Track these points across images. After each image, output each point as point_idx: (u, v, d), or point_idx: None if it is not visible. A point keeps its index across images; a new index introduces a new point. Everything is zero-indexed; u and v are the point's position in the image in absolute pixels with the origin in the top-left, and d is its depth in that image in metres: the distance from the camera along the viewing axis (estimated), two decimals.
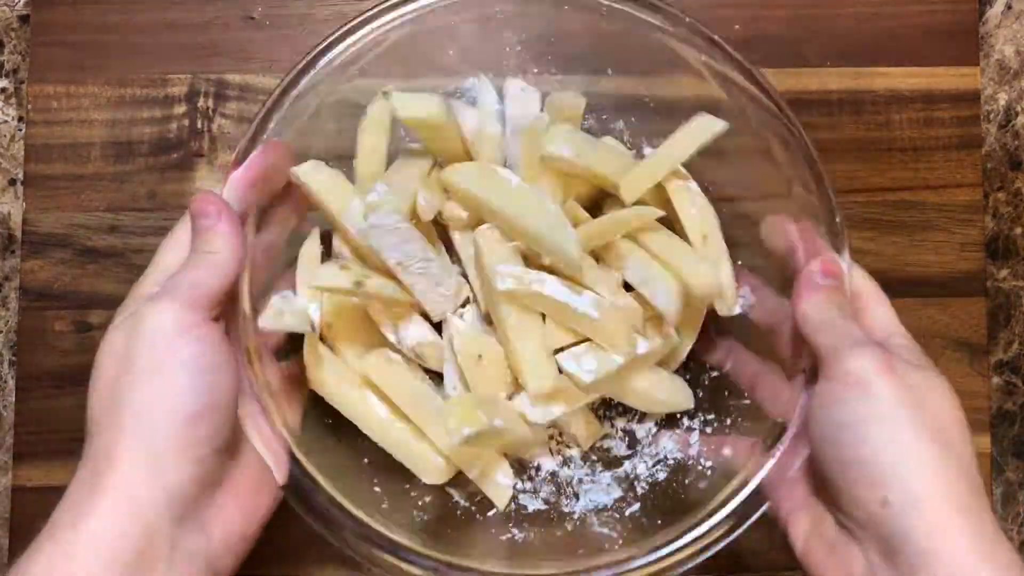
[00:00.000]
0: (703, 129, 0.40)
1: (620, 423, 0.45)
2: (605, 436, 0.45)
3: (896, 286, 0.49)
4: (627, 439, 0.45)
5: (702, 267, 0.40)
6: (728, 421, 0.43)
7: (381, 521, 0.37)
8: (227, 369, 0.35)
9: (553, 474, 0.44)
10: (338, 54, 0.39)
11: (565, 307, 0.39)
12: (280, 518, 0.38)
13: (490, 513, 0.42)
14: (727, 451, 0.41)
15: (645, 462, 0.44)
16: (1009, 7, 0.51)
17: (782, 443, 0.37)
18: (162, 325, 0.33)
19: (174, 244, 0.37)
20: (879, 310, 0.38)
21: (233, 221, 0.36)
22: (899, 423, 0.32)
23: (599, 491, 0.44)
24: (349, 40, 0.39)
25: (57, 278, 0.48)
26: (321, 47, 0.39)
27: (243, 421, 0.36)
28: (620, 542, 0.40)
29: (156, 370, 0.33)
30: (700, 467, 0.42)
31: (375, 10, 0.40)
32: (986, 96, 0.50)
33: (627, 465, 0.44)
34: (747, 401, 0.42)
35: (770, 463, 0.37)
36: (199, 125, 0.48)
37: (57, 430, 0.47)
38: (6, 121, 0.49)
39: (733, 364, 0.44)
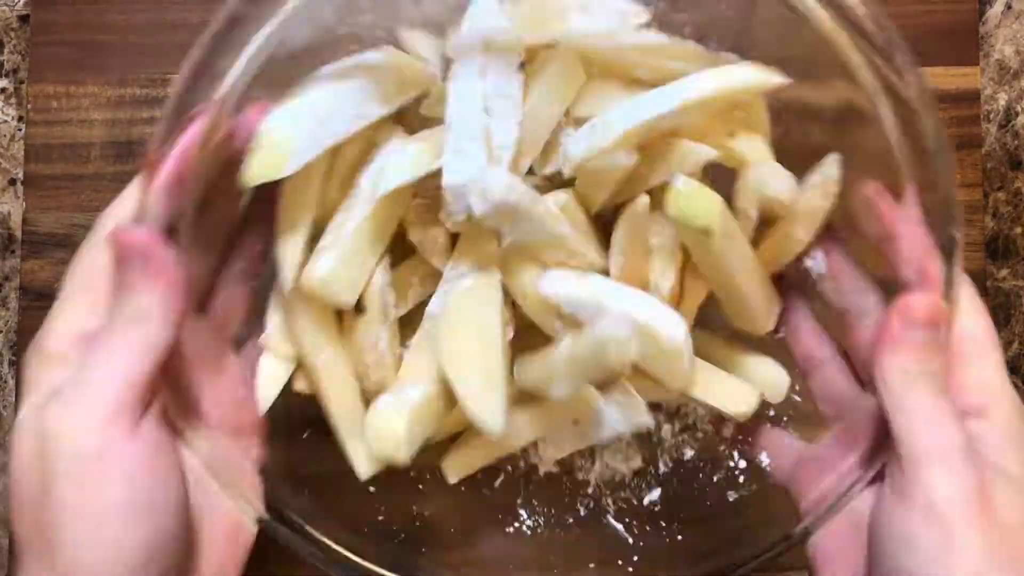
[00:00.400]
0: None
1: None
2: None
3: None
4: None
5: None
6: (771, 412, 0.37)
7: (368, 538, 0.35)
8: (168, 487, 0.28)
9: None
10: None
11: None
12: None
13: (497, 483, 0.40)
14: (764, 459, 0.36)
15: (671, 423, 0.40)
16: (1009, 7, 0.51)
17: (830, 447, 0.31)
18: (82, 447, 0.26)
19: (87, 281, 0.29)
20: (985, 365, 0.30)
21: (166, 268, 0.28)
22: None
23: (617, 452, 0.39)
24: None
25: (57, 278, 0.48)
26: None
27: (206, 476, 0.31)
28: (635, 558, 0.36)
29: (83, 518, 0.26)
30: (731, 464, 0.38)
31: None
32: (986, 96, 0.50)
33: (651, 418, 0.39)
34: (797, 396, 0.37)
35: (817, 520, 0.31)
36: None
37: None
38: (6, 121, 0.49)
39: (791, 333, 0.36)
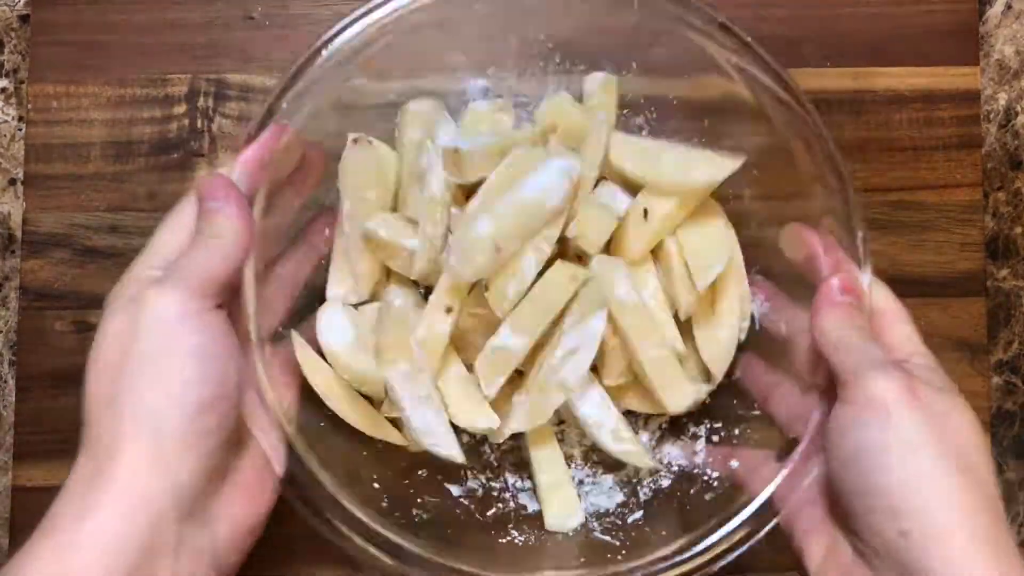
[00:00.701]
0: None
1: None
2: None
3: (896, 286, 0.49)
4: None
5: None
6: (736, 432, 0.42)
7: (379, 520, 0.37)
8: (232, 358, 0.34)
9: None
10: (345, 43, 0.38)
11: None
12: (277, 517, 0.38)
13: (489, 512, 0.42)
14: (734, 463, 0.40)
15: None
16: (1009, 7, 0.51)
17: (793, 458, 0.36)
18: (167, 312, 0.32)
19: (175, 226, 0.36)
20: (901, 328, 0.37)
21: (241, 205, 0.35)
22: (920, 451, 0.31)
23: (600, 494, 0.43)
24: (355, 29, 0.38)
25: (57, 278, 0.48)
26: (331, 34, 0.38)
27: (244, 411, 0.35)
28: (623, 552, 0.39)
29: (161, 358, 0.32)
30: (706, 477, 0.41)
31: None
32: (986, 96, 0.50)
33: (629, 468, 0.44)
34: (757, 412, 0.41)
35: (780, 478, 0.36)
36: (199, 125, 0.48)
37: (57, 430, 0.47)
38: (6, 121, 0.49)
39: (745, 373, 0.43)
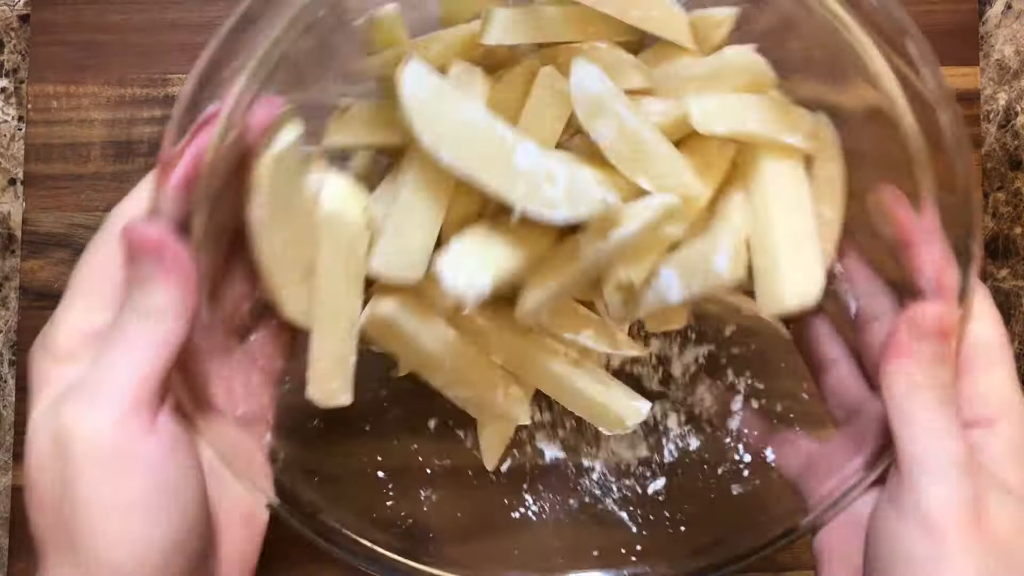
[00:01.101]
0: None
1: (655, 345, 0.40)
2: (635, 361, 0.39)
3: None
4: (660, 371, 0.40)
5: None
6: (779, 408, 0.37)
7: (377, 526, 0.35)
8: (187, 479, 0.28)
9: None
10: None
11: None
12: (274, 518, 0.36)
13: (504, 467, 0.40)
14: (769, 453, 0.36)
15: (678, 412, 0.40)
16: (1009, 7, 0.51)
17: (837, 449, 0.32)
18: (99, 449, 0.26)
19: (102, 269, 0.30)
20: (994, 374, 0.29)
21: (182, 266, 0.28)
22: None
23: (622, 440, 0.39)
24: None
25: (57, 278, 0.48)
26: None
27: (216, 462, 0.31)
28: (638, 547, 0.36)
29: (105, 513, 0.26)
30: (736, 458, 0.38)
31: None
32: (986, 96, 0.50)
33: (656, 408, 0.39)
34: (806, 395, 0.37)
35: (820, 469, 0.32)
36: None
37: None
38: (6, 121, 0.49)
39: (803, 337, 0.36)
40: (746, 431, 0.37)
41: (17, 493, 0.47)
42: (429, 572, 0.34)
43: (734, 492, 0.37)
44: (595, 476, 0.40)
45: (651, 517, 0.38)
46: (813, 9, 0.30)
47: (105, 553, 0.26)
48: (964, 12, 0.50)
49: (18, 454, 0.47)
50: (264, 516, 0.33)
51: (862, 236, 0.34)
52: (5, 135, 0.50)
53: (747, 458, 0.38)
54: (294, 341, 0.35)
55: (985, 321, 0.30)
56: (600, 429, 0.38)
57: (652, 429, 0.40)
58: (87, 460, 0.26)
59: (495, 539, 0.39)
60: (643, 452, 0.40)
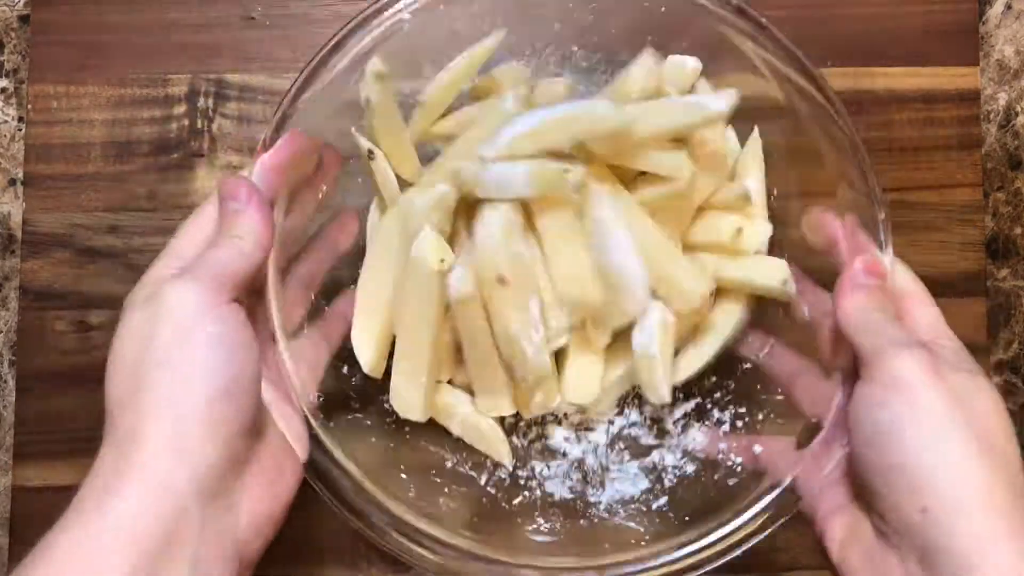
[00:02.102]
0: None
1: (648, 410, 0.44)
2: (633, 424, 0.44)
3: None
4: (655, 428, 0.44)
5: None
6: (760, 417, 0.41)
7: (406, 509, 0.37)
8: (249, 348, 0.34)
9: (580, 461, 0.43)
10: (356, 43, 0.38)
11: None
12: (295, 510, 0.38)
13: (516, 501, 0.42)
14: (757, 448, 0.40)
15: (673, 453, 0.43)
16: (1009, 7, 0.51)
17: (815, 444, 0.36)
18: (185, 304, 0.32)
19: (194, 227, 0.36)
20: (925, 311, 0.37)
21: (262, 206, 0.35)
22: (943, 428, 0.31)
23: (626, 481, 0.42)
24: (366, 29, 0.38)
25: (57, 278, 0.48)
26: (342, 34, 0.38)
27: (266, 402, 0.35)
28: (647, 537, 0.38)
29: (179, 349, 0.32)
30: (730, 463, 0.40)
31: None
32: (986, 96, 0.50)
33: (655, 455, 0.43)
34: (780, 397, 0.41)
35: (803, 462, 0.36)
36: (199, 125, 0.48)
37: (57, 430, 0.47)
38: (6, 121, 0.49)
39: (769, 357, 0.42)
40: (734, 444, 0.41)
41: (17, 493, 0.47)
42: (448, 543, 0.37)
43: (730, 484, 0.39)
44: (602, 508, 0.42)
45: (657, 520, 0.40)
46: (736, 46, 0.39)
47: (169, 384, 0.32)
48: (964, 12, 0.50)
49: (18, 454, 0.47)
50: (291, 480, 0.36)
51: (802, 262, 0.41)
52: (5, 135, 0.49)
53: (739, 460, 0.41)
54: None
55: (906, 274, 0.38)
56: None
57: (652, 469, 0.43)
58: (169, 314, 0.32)
59: (509, 537, 0.40)
60: (645, 486, 0.42)
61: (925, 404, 0.31)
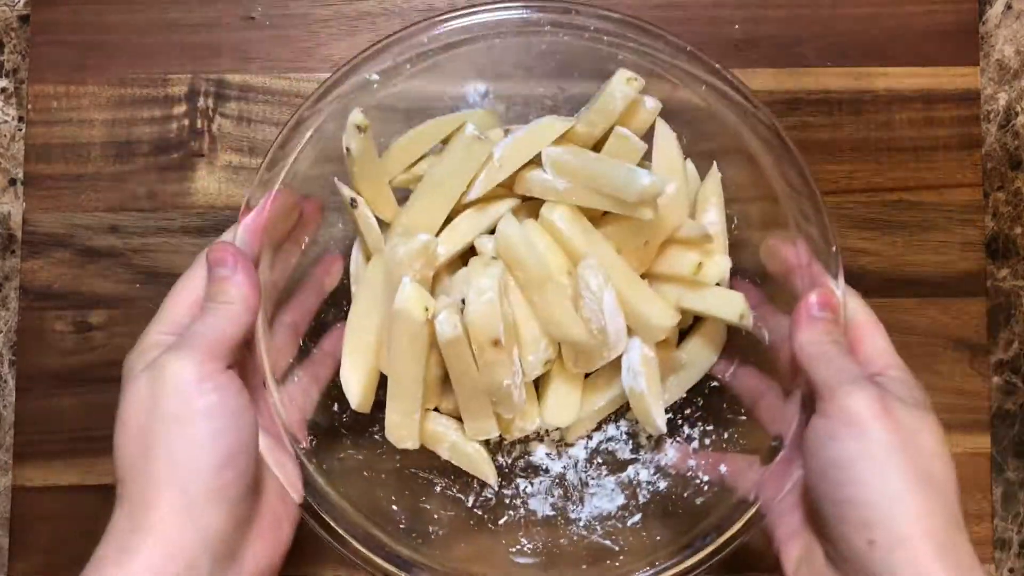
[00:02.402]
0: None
1: (624, 425, 0.46)
2: (610, 438, 0.46)
3: (896, 286, 0.49)
4: (631, 443, 0.46)
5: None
6: (726, 435, 0.43)
7: (397, 540, 0.39)
8: (246, 414, 0.36)
9: (561, 477, 0.45)
10: (339, 94, 0.39)
11: None
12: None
13: (502, 521, 0.43)
14: (723, 468, 0.42)
15: (647, 468, 0.45)
16: (1009, 7, 0.51)
17: (776, 462, 0.38)
18: (184, 376, 0.34)
19: (183, 291, 0.38)
20: (876, 340, 0.39)
21: (248, 270, 0.37)
22: (890, 465, 0.33)
23: (603, 496, 0.44)
24: (351, 79, 0.39)
25: (57, 278, 0.48)
26: (331, 80, 0.39)
27: (261, 451, 0.37)
28: (621, 557, 0.41)
29: (182, 421, 0.34)
30: (699, 481, 0.42)
31: (383, 43, 0.40)
32: (986, 96, 0.50)
33: (630, 470, 0.45)
34: (744, 416, 0.43)
35: (764, 480, 0.38)
36: (199, 125, 0.48)
37: (57, 430, 0.47)
38: (6, 121, 0.49)
39: (733, 377, 0.44)
40: (703, 463, 0.43)
41: (17, 493, 0.47)
42: (437, 569, 0.39)
43: (698, 503, 0.41)
44: (581, 525, 0.44)
45: (631, 538, 0.42)
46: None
47: (176, 454, 0.34)
48: (964, 12, 0.50)
49: (18, 454, 0.47)
50: (289, 530, 0.39)
51: (765, 289, 0.43)
52: (5, 135, 0.49)
53: (706, 478, 0.42)
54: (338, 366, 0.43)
55: (858, 303, 0.40)
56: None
57: (628, 484, 0.45)
58: (172, 385, 0.34)
59: (492, 554, 0.42)
60: (621, 501, 0.44)
61: (874, 441, 0.33)
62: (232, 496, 0.35)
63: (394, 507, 0.42)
